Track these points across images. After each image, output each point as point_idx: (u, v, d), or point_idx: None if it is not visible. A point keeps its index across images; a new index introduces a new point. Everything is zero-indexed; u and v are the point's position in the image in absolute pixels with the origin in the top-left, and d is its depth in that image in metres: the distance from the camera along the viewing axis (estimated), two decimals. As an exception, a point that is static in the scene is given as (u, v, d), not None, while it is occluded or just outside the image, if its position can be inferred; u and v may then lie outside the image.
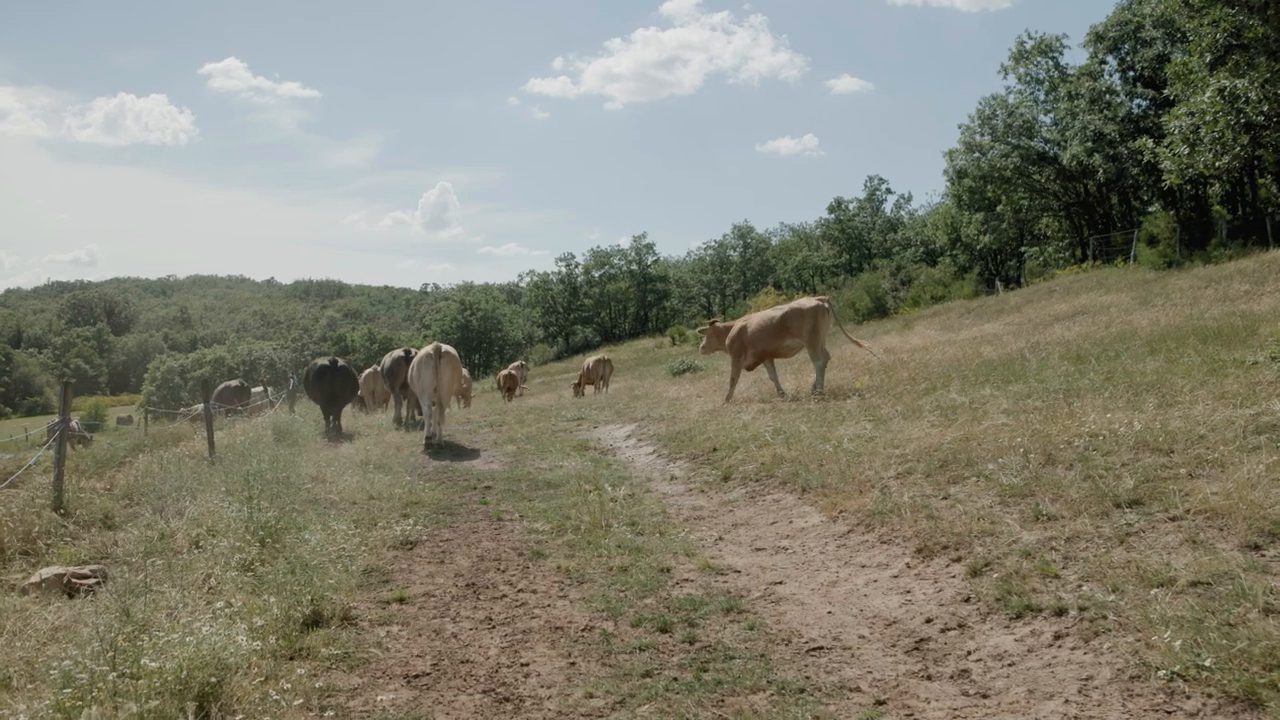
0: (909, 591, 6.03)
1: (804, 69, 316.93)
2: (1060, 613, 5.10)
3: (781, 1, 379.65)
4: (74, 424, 38.31)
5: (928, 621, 5.55)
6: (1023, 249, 53.45)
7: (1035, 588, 5.45)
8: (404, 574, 7.44)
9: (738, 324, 17.89)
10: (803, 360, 18.75)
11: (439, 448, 15.10)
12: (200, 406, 37.85)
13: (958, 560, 6.24)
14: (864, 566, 6.68)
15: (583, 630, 5.90)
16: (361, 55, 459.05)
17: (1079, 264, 41.95)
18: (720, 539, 8.02)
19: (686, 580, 6.79)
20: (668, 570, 7.03)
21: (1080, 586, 5.31)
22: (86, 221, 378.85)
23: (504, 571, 7.39)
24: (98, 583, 7.56)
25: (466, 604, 6.61)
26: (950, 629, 5.38)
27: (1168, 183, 24.90)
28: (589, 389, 30.64)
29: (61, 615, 6.56)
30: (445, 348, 15.93)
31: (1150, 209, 41.58)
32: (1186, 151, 21.48)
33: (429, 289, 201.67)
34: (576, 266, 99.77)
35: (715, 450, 12.17)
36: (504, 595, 6.76)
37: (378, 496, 10.72)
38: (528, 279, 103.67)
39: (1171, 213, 37.45)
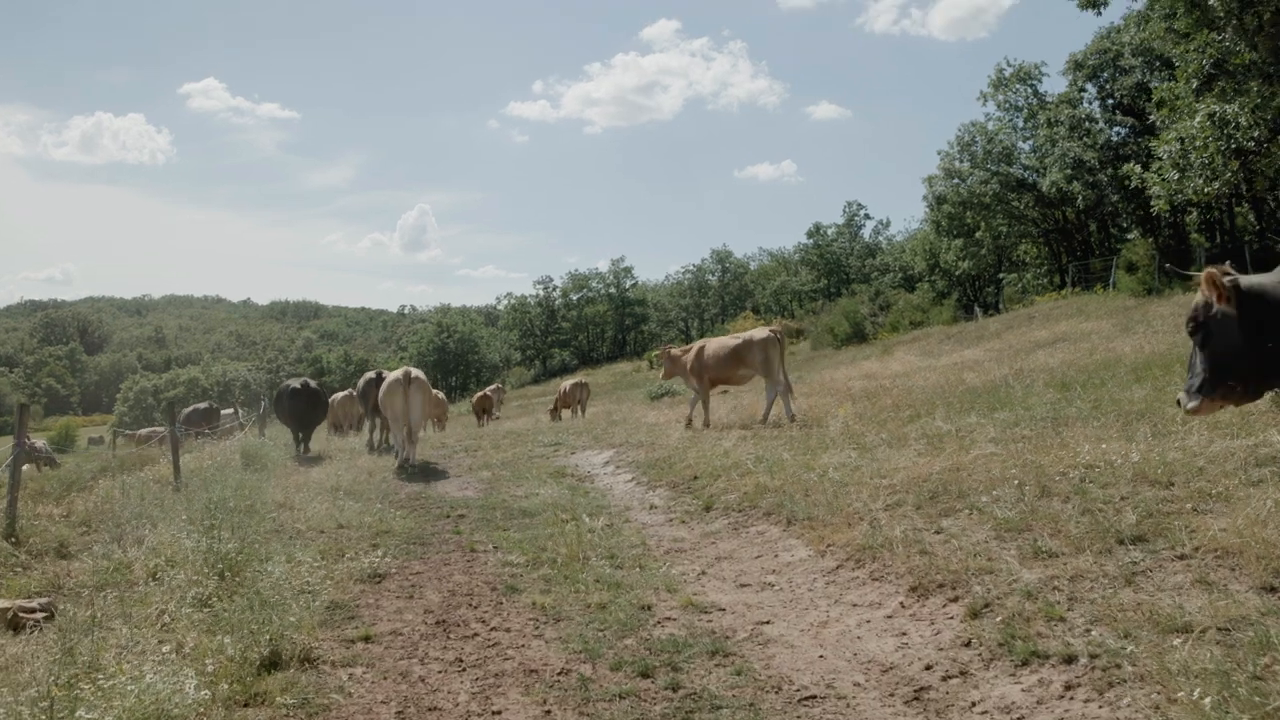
0: (905, 634, 5.67)
1: (783, 95, 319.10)
2: (1069, 660, 4.77)
3: (760, 29, 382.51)
4: (40, 445, 37.68)
5: (927, 668, 5.20)
6: (1001, 275, 53.50)
7: (1040, 631, 5.10)
8: (371, 610, 7.05)
9: (694, 348, 17.95)
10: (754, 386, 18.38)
11: (412, 472, 14.72)
12: (147, 430, 37.11)
13: (955, 600, 5.91)
14: (855, 605, 6.33)
15: (559, 674, 5.53)
16: (341, 76, 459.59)
17: (1058, 291, 41.95)
18: (703, 574, 7.65)
19: (668, 619, 6.42)
20: (648, 608, 6.66)
21: (1089, 631, 4.98)
22: (62, 240, 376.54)
23: (476, 608, 7.01)
24: (47, 617, 7.14)
25: (436, 643, 6.23)
26: (951, 676, 5.04)
27: (1156, 209, 24.77)
28: (565, 413, 30.31)
29: (4, 654, 6.14)
30: (415, 372, 15.75)
31: (1129, 236, 41.67)
32: (1176, 177, 21.34)
33: (406, 310, 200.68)
34: (554, 289, 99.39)
35: (696, 478, 11.83)
36: (476, 634, 6.38)
37: (347, 525, 10.33)
38: (505, 301, 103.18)
39: (1150, 240, 37.54)
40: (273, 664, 5.65)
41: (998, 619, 5.39)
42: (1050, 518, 6.87)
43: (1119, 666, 4.54)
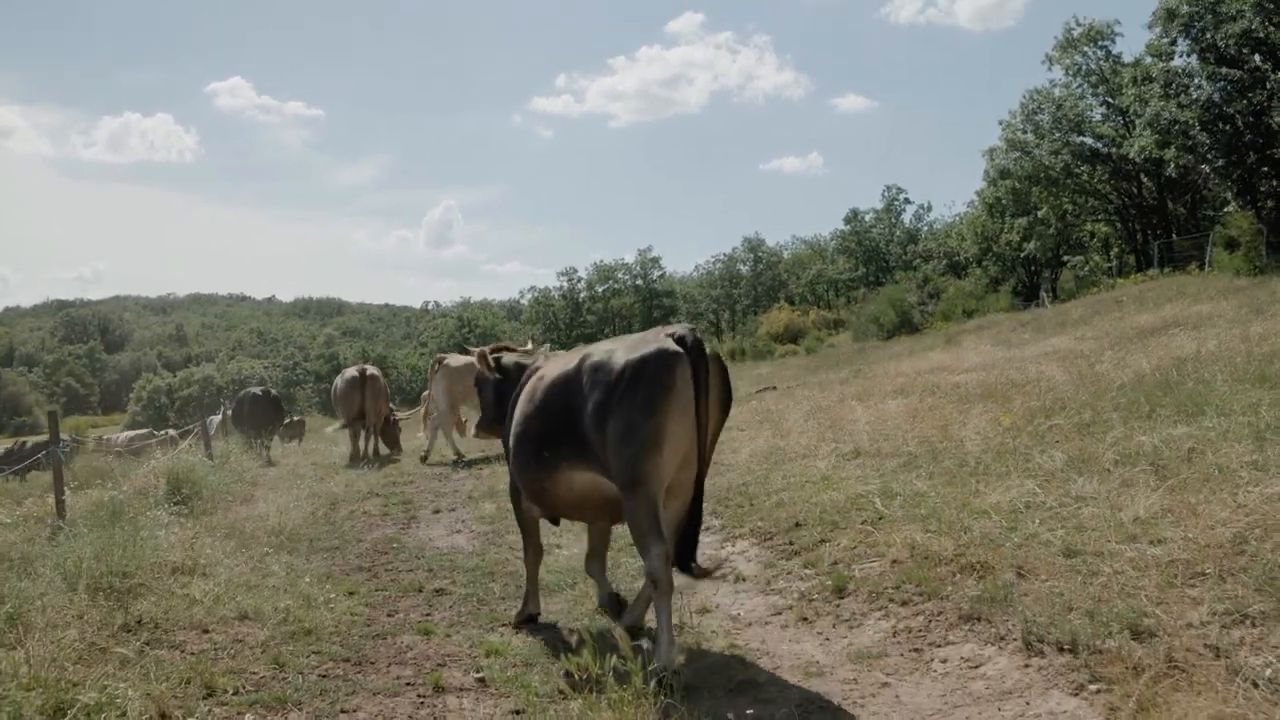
0: None
1: (808, 88, 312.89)
2: None
3: (785, 21, 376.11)
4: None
5: None
6: (1065, 257, 49.03)
7: None
8: None
9: None
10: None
11: (387, 495, 11.01)
12: (126, 436, 32.96)
13: None
14: None
15: None
16: (366, 74, 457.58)
17: (1141, 272, 37.67)
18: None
19: None
20: None
21: None
22: (91, 239, 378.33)
23: None
24: None
25: None
26: None
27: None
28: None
29: None
30: (370, 370, 13.97)
31: (1225, 210, 37.24)
32: None
33: (430, 306, 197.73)
34: (579, 281, 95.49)
35: (799, 526, 7.79)
36: None
37: (252, 615, 6.40)
38: (529, 294, 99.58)
39: (1252, 212, 33.16)
40: None
41: None
42: None
43: None
